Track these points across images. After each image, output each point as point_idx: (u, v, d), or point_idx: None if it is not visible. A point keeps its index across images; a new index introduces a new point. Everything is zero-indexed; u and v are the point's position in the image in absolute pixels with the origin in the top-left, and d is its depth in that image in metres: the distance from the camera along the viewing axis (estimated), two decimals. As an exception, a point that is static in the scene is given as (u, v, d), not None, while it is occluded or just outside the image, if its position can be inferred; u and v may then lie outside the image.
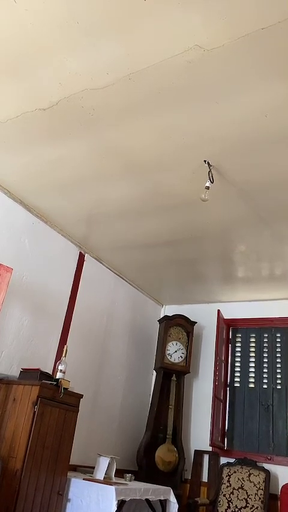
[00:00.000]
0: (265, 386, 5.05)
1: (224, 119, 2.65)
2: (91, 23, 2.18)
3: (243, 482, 4.41)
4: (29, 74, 2.55)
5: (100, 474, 3.60)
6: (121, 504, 3.33)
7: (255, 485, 4.34)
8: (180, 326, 5.38)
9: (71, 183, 3.55)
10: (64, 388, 3.39)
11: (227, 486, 4.45)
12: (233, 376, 5.30)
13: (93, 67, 2.43)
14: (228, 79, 2.38)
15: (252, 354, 5.28)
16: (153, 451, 4.78)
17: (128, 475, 4.01)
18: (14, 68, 2.52)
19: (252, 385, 5.14)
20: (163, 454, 4.79)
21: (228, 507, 4.31)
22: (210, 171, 3.04)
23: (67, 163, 3.31)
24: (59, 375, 3.49)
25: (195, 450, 5.04)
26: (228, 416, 5.11)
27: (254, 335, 5.35)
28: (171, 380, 5.14)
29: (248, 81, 2.37)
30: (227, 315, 5.39)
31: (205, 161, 3.02)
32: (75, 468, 3.91)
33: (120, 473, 4.05)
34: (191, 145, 2.91)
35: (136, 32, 2.20)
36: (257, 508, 4.19)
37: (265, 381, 5.07)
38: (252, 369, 5.21)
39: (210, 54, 2.24)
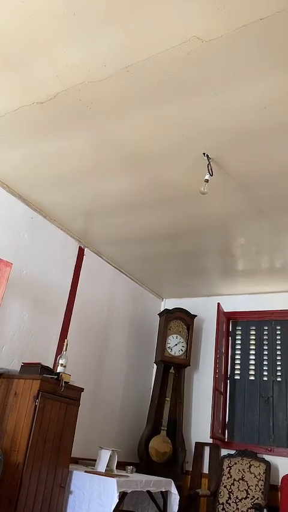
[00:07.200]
0: (265, 378, 5.06)
1: (223, 111, 2.63)
2: (88, 15, 2.16)
3: (243, 473, 4.44)
4: (26, 67, 2.53)
5: (102, 467, 3.63)
6: (123, 496, 3.35)
7: (255, 476, 4.37)
8: (180, 319, 5.39)
9: (70, 176, 3.54)
10: (65, 382, 3.40)
11: (228, 477, 4.48)
12: (233, 369, 5.32)
13: (91, 59, 2.41)
14: (226, 70, 2.36)
15: (253, 347, 5.29)
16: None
17: (130, 467, 4.04)
18: (10, 61, 2.50)
19: (252, 378, 5.15)
20: (157, 444, 4.81)
21: (229, 498, 4.35)
22: (209, 163, 3.03)
23: (66, 157, 3.29)
24: (59, 369, 3.50)
25: (196, 442, 5.07)
26: (229, 409, 5.14)
27: (254, 328, 5.36)
28: (169, 373, 5.16)
29: (246, 72, 2.36)
30: (227, 308, 5.40)
31: (204, 154, 3.01)
32: (76, 461, 3.93)
33: (121, 465, 4.08)
34: (190, 137, 2.90)
35: (134, 24, 2.18)
36: (257, 498, 4.22)
37: (265, 373, 5.09)
38: (252, 362, 5.22)
39: (209, 46, 2.22)
